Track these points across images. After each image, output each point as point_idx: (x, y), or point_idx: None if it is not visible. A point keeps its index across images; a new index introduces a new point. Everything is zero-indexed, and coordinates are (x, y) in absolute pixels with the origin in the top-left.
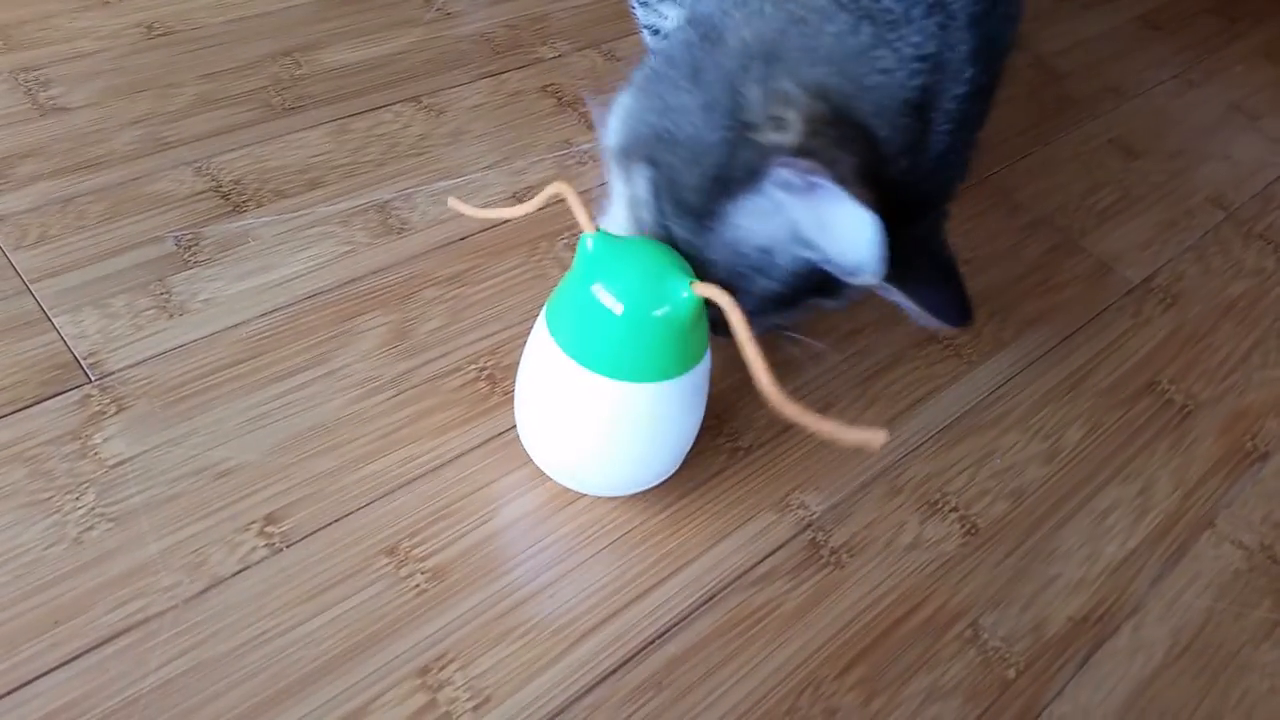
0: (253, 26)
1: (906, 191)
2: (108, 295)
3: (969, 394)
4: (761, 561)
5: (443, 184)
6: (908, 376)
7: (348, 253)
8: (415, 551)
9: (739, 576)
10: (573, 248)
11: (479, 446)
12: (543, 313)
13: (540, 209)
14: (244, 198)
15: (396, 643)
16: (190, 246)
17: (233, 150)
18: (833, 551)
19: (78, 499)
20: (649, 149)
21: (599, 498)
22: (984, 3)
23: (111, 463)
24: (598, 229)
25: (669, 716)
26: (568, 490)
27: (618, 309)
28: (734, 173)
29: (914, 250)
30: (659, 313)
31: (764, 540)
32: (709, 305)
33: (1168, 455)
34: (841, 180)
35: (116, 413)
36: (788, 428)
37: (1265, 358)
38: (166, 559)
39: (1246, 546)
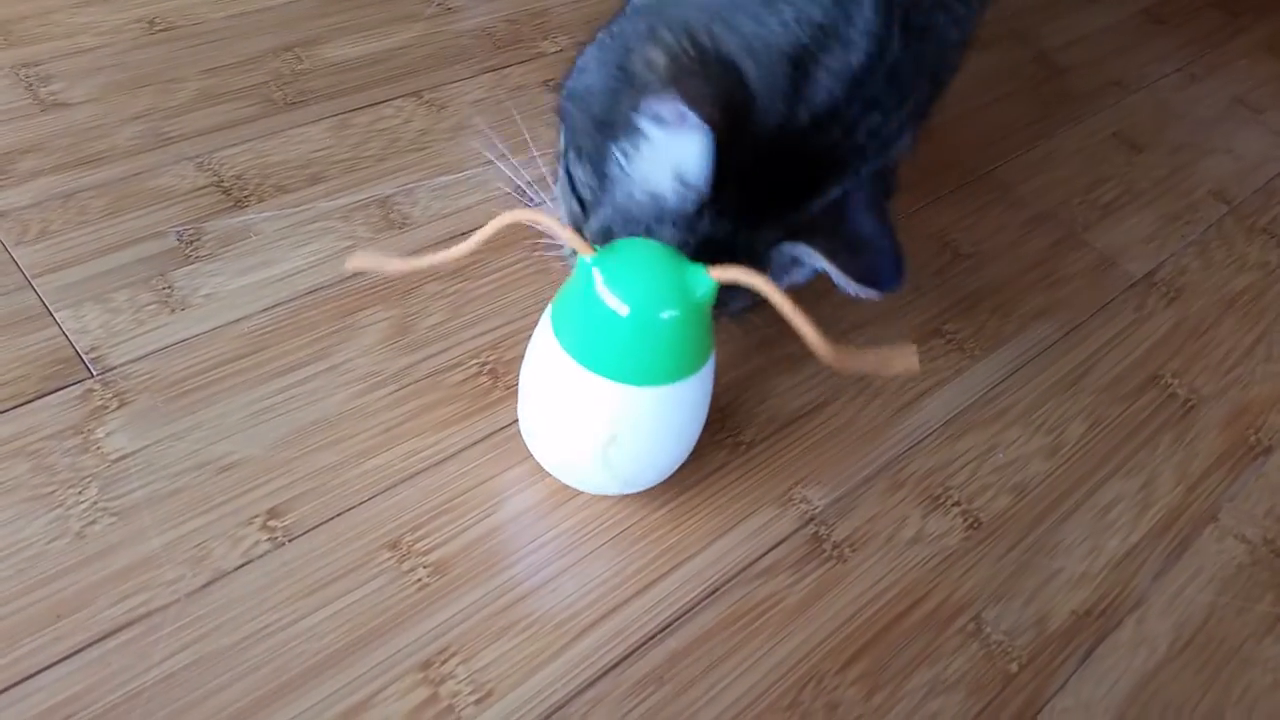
0: (254, 21)
1: (794, 144)
2: (109, 290)
3: (971, 388)
4: (763, 556)
5: (444, 179)
6: None
7: (349, 248)
8: (417, 546)
9: (741, 571)
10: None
11: (481, 441)
12: (547, 312)
13: (480, 247)
14: (245, 193)
15: (399, 637)
16: (192, 241)
17: (234, 145)
18: (835, 546)
19: (80, 493)
20: (563, 109)
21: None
22: None
23: (114, 457)
24: (594, 248)
25: (671, 711)
26: (569, 485)
27: (623, 311)
28: (615, 115)
29: (831, 214)
30: (665, 315)
31: (766, 535)
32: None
33: (1170, 450)
34: (692, 101)
35: (119, 407)
36: (789, 422)
37: (1269, 352)
38: (169, 553)
39: (1249, 541)
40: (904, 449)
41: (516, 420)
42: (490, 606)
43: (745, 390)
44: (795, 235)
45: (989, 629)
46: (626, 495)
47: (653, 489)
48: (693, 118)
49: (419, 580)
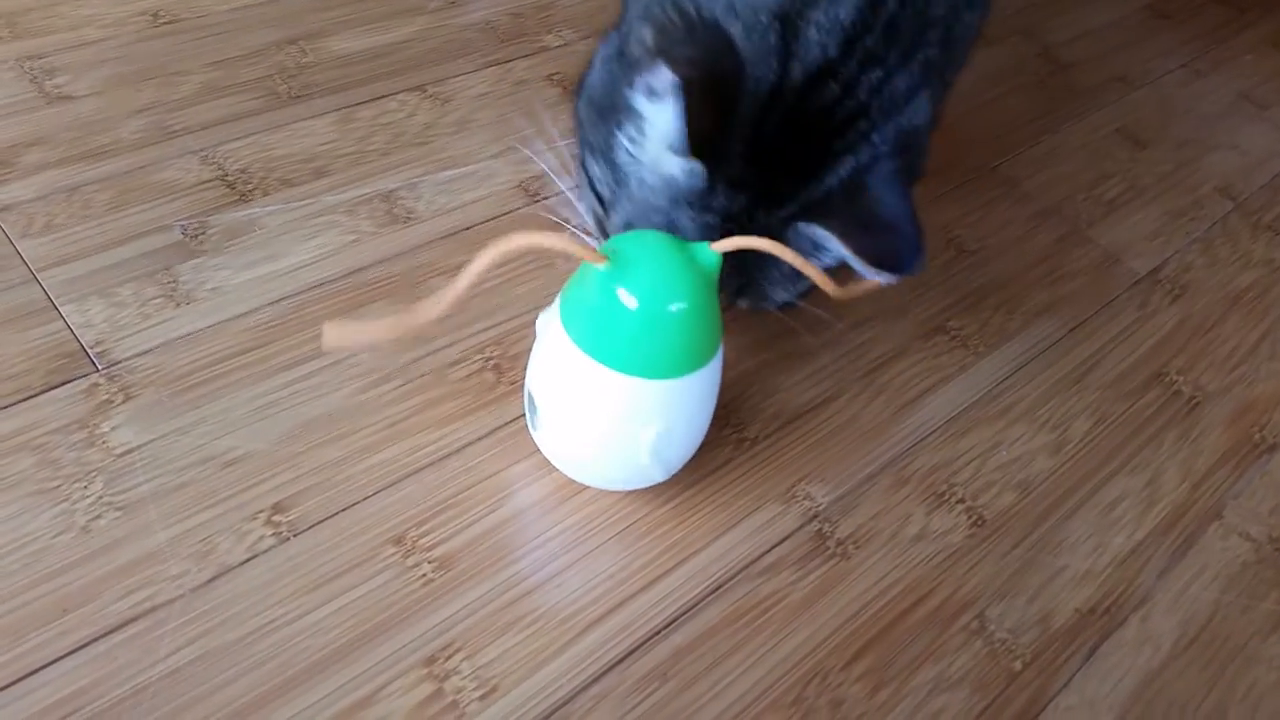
0: (258, 14)
1: (793, 103)
2: (114, 284)
3: (976, 385)
4: (768, 552)
5: (449, 173)
6: (915, 367)
7: (353, 242)
8: (422, 541)
9: (745, 567)
10: (579, 235)
11: (485, 436)
12: (555, 304)
13: (474, 285)
14: (250, 186)
15: (403, 632)
16: (197, 235)
17: (239, 139)
18: (839, 542)
19: (86, 487)
20: (576, 113)
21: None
22: None
23: (119, 451)
24: (606, 257)
25: (675, 706)
26: (574, 480)
27: (633, 304)
28: (617, 102)
29: (848, 193)
30: (674, 308)
31: (770, 531)
32: (727, 278)
33: (1175, 446)
34: (673, 65)
35: (124, 401)
36: (794, 418)
37: (1274, 348)
38: (174, 547)
39: (1254, 539)
40: (908, 446)
41: (521, 415)
42: (495, 602)
43: (750, 386)
44: (811, 214)
45: (993, 626)
46: (630, 491)
47: (657, 485)
48: (671, 79)
49: (423, 576)
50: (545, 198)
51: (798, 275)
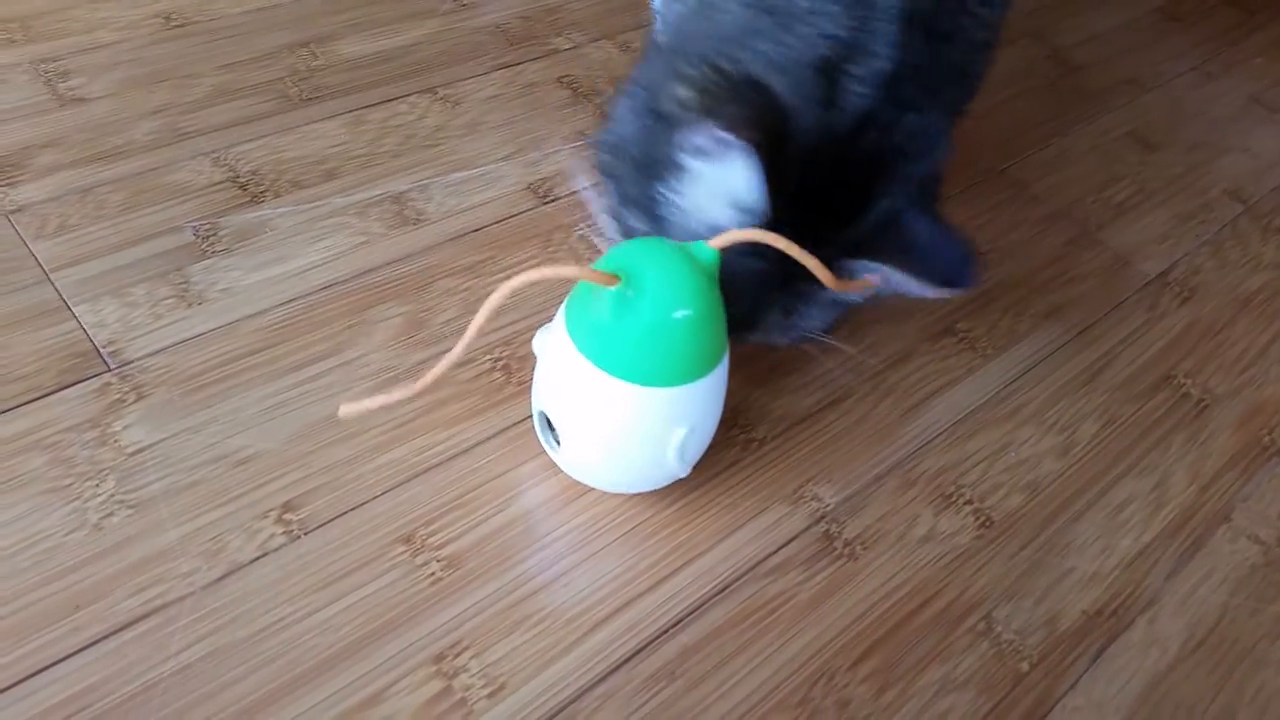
0: (270, 17)
1: (838, 150)
2: (127, 284)
3: (984, 387)
4: (775, 553)
5: (458, 175)
6: (922, 369)
7: (364, 243)
8: (431, 540)
9: (752, 568)
10: (587, 239)
11: (494, 437)
12: (553, 324)
13: (474, 340)
14: (261, 188)
15: (412, 630)
16: (208, 236)
17: (250, 141)
18: (846, 544)
19: (98, 486)
20: (603, 164)
21: None
22: (924, 1)
23: (131, 450)
24: (617, 278)
25: (682, 706)
26: (604, 489)
27: (650, 318)
28: (657, 157)
29: (888, 227)
30: (679, 315)
31: (777, 532)
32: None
33: (1184, 449)
34: (729, 125)
35: (136, 401)
36: (801, 420)
37: None
38: (185, 545)
39: (1263, 541)
40: (916, 447)
41: (529, 416)
42: (503, 601)
43: (757, 387)
44: (857, 252)
45: (1000, 628)
46: (638, 492)
47: (664, 485)
48: (733, 141)
49: (432, 574)
50: (554, 199)
51: (835, 306)
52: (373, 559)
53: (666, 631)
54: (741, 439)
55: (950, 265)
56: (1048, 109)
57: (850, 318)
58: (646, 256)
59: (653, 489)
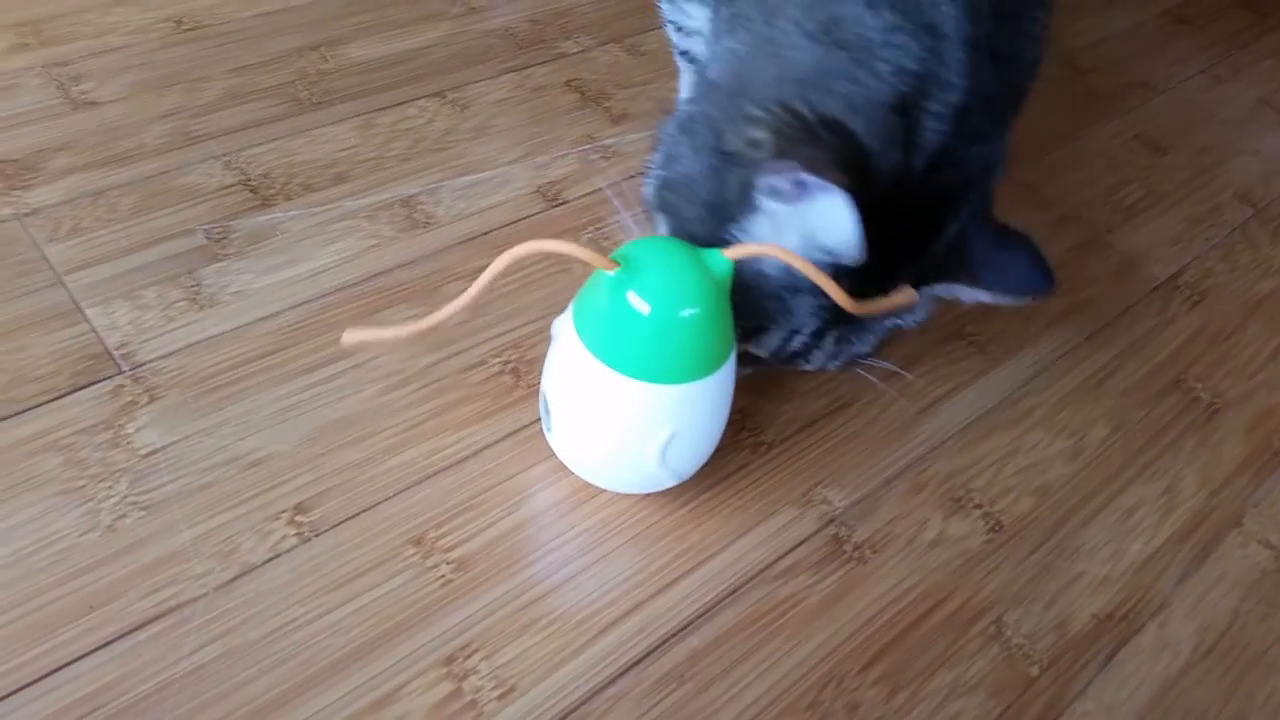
0: (280, 21)
1: (914, 188)
2: (139, 287)
3: (993, 391)
4: (784, 556)
5: (467, 179)
6: (932, 373)
7: (374, 246)
8: (441, 542)
9: (762, 571)
10: (596, 242)
11: (503, 439)
12: (569, 311)
13: (485, 290)
14: (272, 191)
15: (423, 632)
16: (220, 239)
17: (261, 144)
18: (856, 547)
19: (111, 487)
20: (662, 199)
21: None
22: (984, 24)
23: (144, 452)
24: (617, 263)
25: (691, 709)
26: (591, 483)
27: (645, 310)
28: (727, 197)
29: (955, 249)
30: (686, 314)
31: (787, 535)
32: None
33: (1194, 453)
34: (813, 168)
35: (148, 403)
36: (810, 423)
37: None
38: (198, 547)
39: (1274, 546)
40: (925, 451)
41: (538, 419)
42: (513, 603)
43: (766, 391)
44: (927, 278)
45: (1010, 632)
46: (648, 495)
47: (674, 488)
48: (818, 184)
49: (442, 576)
50: (563, 203)
51: (887, 330)
52: (384, 561)
53: (676, 634)
54: (750, 442)
55: (1022, 274)
56: (1057, 112)
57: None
58: (656, 253)
59: (640, 491)
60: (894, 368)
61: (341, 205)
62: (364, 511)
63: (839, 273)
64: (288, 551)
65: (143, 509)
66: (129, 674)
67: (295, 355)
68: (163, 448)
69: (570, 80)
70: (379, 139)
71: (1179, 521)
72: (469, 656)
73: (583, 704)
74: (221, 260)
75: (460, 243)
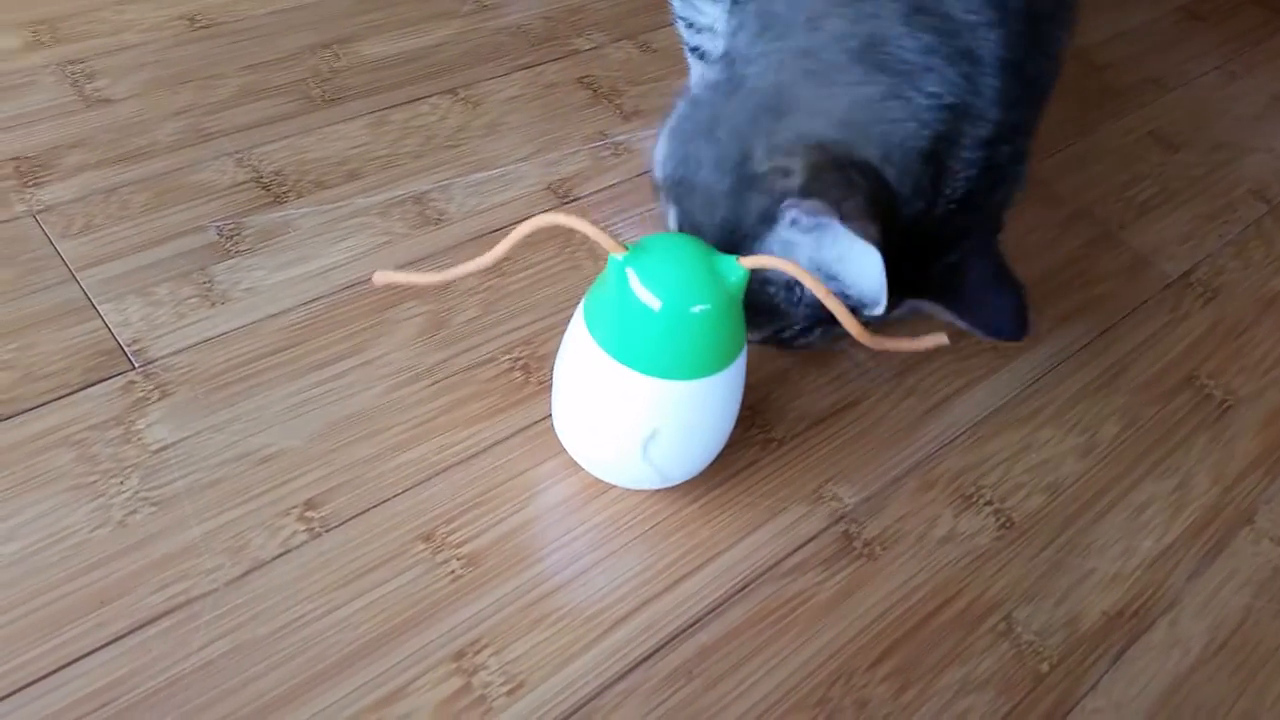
0: (293, 19)
1: (930, 227)
2: (151, 284)
3: (1005, 388)
4: (794, 553)
5: (479, 175)
6: (943, 370)
7: (386, 243)
8: (451, 538)
9: (771, 567)
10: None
11: (513, 436)
12: (580, 310)
13: (510, 251)
14: (284, 188)
15: (432, 627)
16: (232, 236)
17: (273, 141)
18: (866, 544)
19: (122, 483)
20: (675, 191)
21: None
22: (1018, 49)
23: (155, 448)
24: (626, 247)
25: (700, 705)
26: (601, 480)
27: (656, 305)
28: (746, 218)
29: (950, 273)
30: (697, 309)
31: (796, 532)
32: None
33: (1206, 451)
34: (844, 218)
35: (160, 399)
36: (820, 419)
37: None
38: (209, 542)
39: None
40: (936, 448)
41: (549, 415)
42: (522, 599)
43: (777, 387)
44: (918, 293)
45: (1020, 629)
46: (657, 491)
47: (683, 484)
48: (845, 232)
49: (452, 572)
50: (574, 200)
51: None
52: (393, 557)
53: (685, 630)
54: (760, 439)
55: (1000, 315)
56: (1070, 108)
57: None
58: (671, 246)
59: (629, 485)
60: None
61: (353, 202)
62: (374, 507)
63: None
64: (298, 547)
65: (153, 505)
66: (139, 669)
67: (306, 352)
68: (174, 444)
69: (582, 77)
70: (391, 136)
71: (1190, 519)
72: (478, 652)
73: (592, 699)
74: (233, 257)
75: (472, 239)
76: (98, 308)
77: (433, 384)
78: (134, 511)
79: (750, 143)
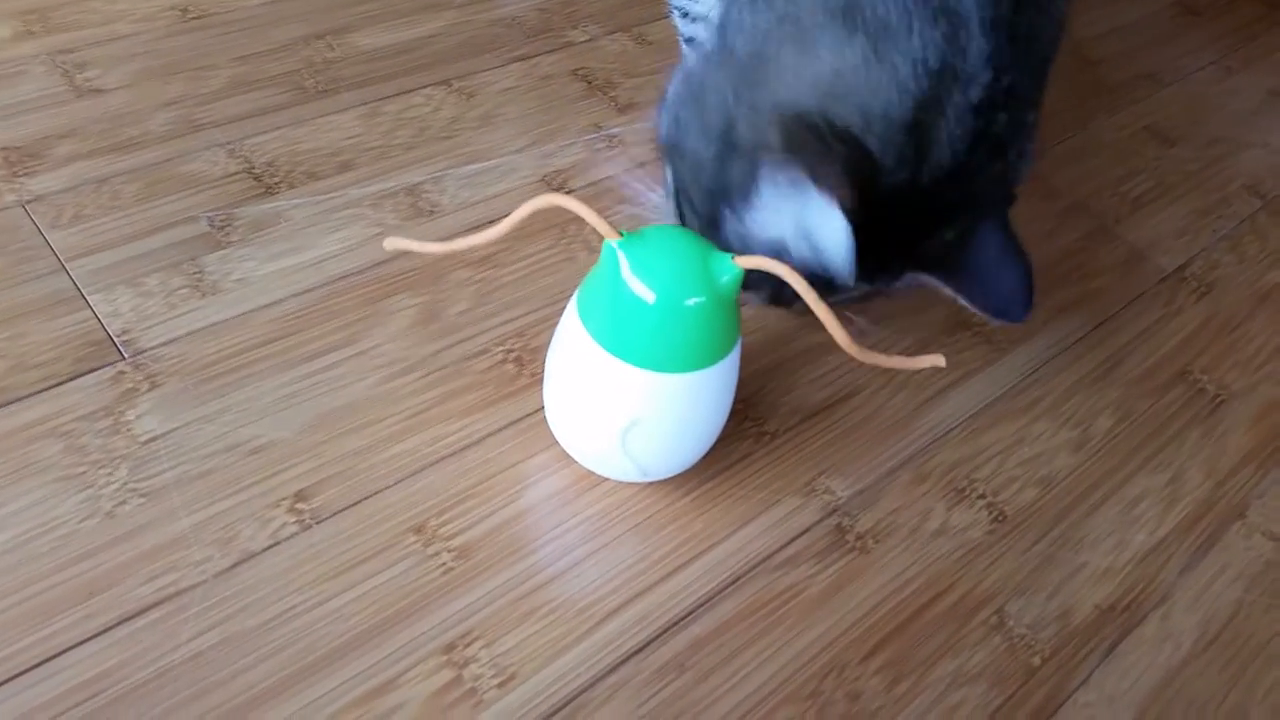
0: (286, 9)
1: (920, 200)
2: (141, 274)
3: (999, 381)
4: (786, 545)
5: (473, 167)
6: None
7: (378, 234)
8: (442, 530)
9: (764, 560)
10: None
11: (506, 428)
12: (574, 299)
13: (513, 229)
14: (276, 179)
15: (423, 620)
16: (223, 227)
17: (265, 132)
18: (858, 537)
19: (111, 474)
20: (669, 155)
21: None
22: (1004, 5)
23: (144, 439)
24: (621, 233)
25: (692, 697)
26: (593, 472)
27: (649, 298)
28: (730, 185)
29: (953, 248)
30: (690, 302)
31: (789, 524)
32: (766, 278)
33: (1198, 445)
34: (820, 185)
35: (149, 390)
36: (814, 413)
37: None
38: (198, 534)
39: (1278, 538)
40: (929, 441)
41: (542, 407)
42: (514, 591)
43: (769, 380)
44: (921, 266)
45: (1012, 622)
46: (650, 484)
47: (676, 477)
48: (820, 196)
49: (443, 564)
50: (569, 192)
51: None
52: (384, 549)
53: (677, 623)
54: (754, 432)
55: (1004, 294)
56: (1066, 102)
57: (865, 311)
58: (667, 238)
59: (610, 475)
60: (850, 315)
61: (346, 193)
62: (365, 499)
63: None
64: (288, 539)
65: (142, 496)
66: (127, 660)
67: (297, 343)
68: (163, 434)
69: (577, 69)
70: (384, 127)
71: (1183, 513)
72: (469, 644)
73: (583, 692)
74: (225, 248)
75: (465, 231)
76: (87, 298)
77: (425, 376)
78: (123, 503)
79: (734, 112)
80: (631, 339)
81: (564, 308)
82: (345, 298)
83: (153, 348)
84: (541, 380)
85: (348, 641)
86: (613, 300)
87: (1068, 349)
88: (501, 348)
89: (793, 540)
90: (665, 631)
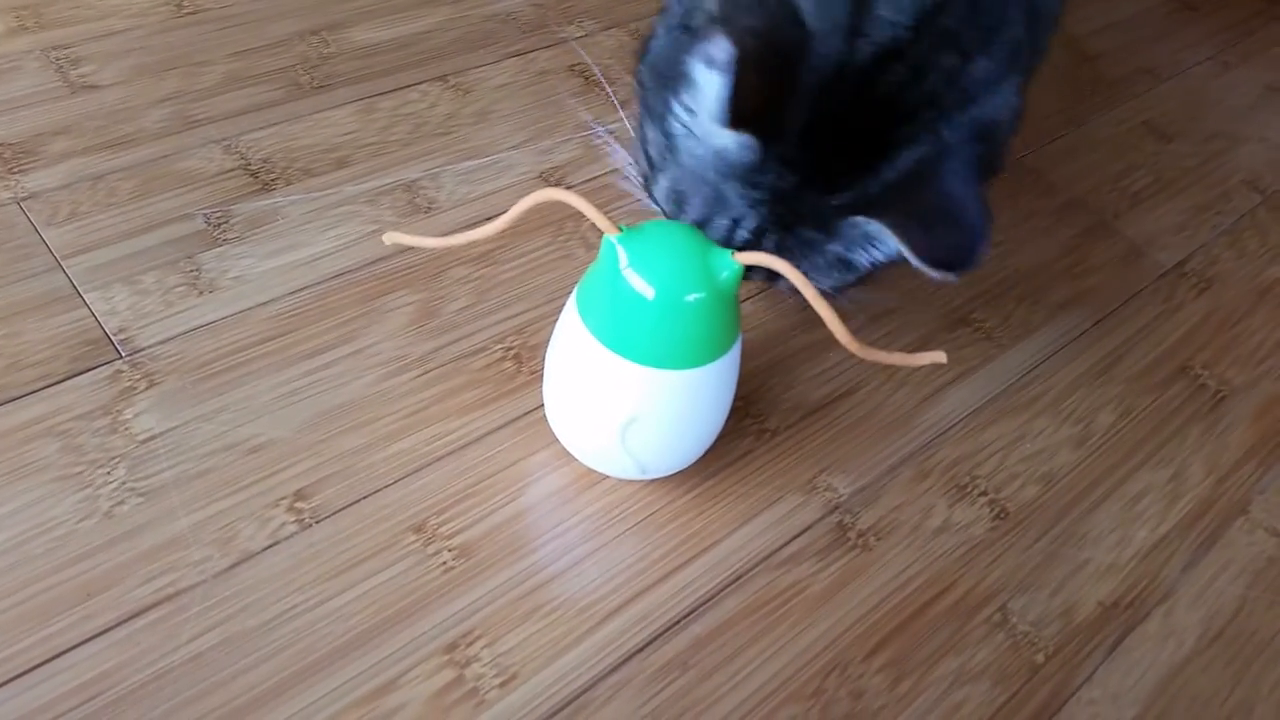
0: (281, 5)
1: (854, 80)
2: (138, 272)
3: (999, 377)
4: (788, 543)
5: (469, 163)
6: None
7: (375, 231)
8: (442, 529)
9: (766, 558)
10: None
11: (505, 425)
12: (573, 295)
13: (512, 224)
14: (272, 176)
15: (424, 619)
16: (220, 224)
17: (261, 129)
18: (860, 534)
19: (109, 473)
20: (640, 80)
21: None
22: None
23: (142, 438)
24: (620, 228)
25: (694, 696)
26: (594, 470)
27: (649, 293)
28: (676, 71)
29: (911, 185)
30: (691, 298)
31: (791, 522)
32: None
33: (1200, 441)
34: (734, 37)
35: (147, 388)
36: (814, 410)
37: None
38: (197, 534)
39: None
40: (930, 438)
41: (541, 405)
42: (515, 590)
43: (770, 377)
44: (867, 208)
45: (1015, 619)
46: (651, 481)
47: (677, 475)
48: (703, 43)
49: (444, 563)
50: (566, 188)
51: (842, 266)
52: (384, 548)
53: (679, 622)
54: (754, 429)
55: (949, 244)
56: (1064, 97)
57: (866, 308)
58: (667, 234)
59: (610, 472)
60: (849, 306)
61: (342, 190)
62: (364, 498)
63: (768, 164)
64: (287, 538)
65: (141, 495)
66: (126, 662)
67: (295, 341)
68: (161, 434)
69: (574, 65)
70: (380, 123)
71: (1185, 509)
72: (470, 644)
73: (585, 691)
74: (221, 245)
75: (462, 227)
76: (84, 296)
77: (423, 373)
78: (121, 502)
79: (691, 5)
80: (631, 335)
81: (563, 304)
82: (343, 295)
83: (150, 346)
84: (541, 377)
85: (348, 641)
86: (612, 296)
87: (1068, 345)
88: (500, 345)
89: (794, 538)
90: (667, 630)
